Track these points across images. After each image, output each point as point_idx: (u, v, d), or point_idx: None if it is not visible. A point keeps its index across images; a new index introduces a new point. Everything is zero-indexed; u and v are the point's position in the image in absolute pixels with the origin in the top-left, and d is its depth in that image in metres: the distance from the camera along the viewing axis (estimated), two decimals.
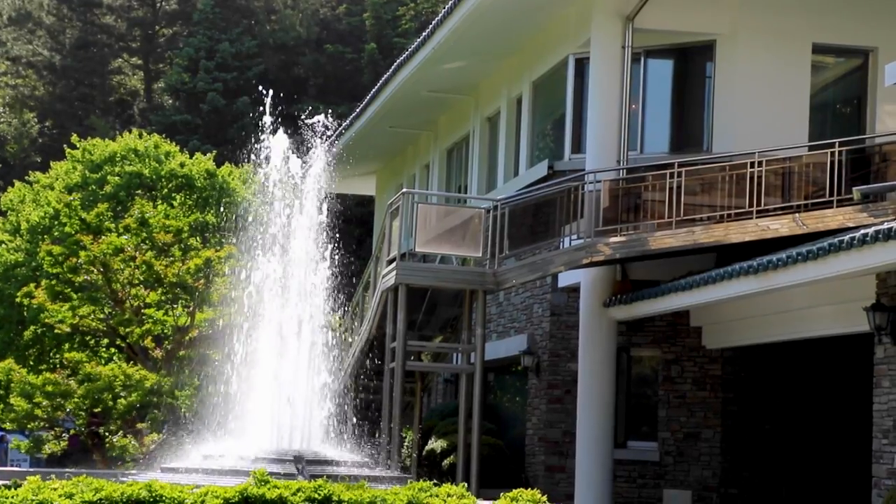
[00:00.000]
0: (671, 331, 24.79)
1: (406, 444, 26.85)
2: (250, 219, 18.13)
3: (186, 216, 32.68)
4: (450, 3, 26.60)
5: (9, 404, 27.39)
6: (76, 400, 26.58)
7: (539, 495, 12.95)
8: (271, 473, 12.91)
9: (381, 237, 24.75)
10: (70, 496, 11.84)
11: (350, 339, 27.41)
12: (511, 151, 29.11)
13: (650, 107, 25.07)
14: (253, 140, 18.20)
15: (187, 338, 28.47)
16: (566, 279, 24.93)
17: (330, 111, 18.76)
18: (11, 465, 35.61)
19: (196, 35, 61.61)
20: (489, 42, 27.90)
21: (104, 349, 34.15)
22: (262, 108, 18.03)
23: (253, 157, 18.03)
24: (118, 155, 37.18)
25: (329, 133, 18.68)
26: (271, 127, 17.76)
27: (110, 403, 26.35)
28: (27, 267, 34.87)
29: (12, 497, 11.75)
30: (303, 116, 18.26)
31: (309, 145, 18.25)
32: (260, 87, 18.99)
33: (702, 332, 24.44)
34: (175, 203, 35.69)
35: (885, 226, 16.50)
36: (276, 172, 17.76)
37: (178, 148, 39.11)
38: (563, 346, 25.75)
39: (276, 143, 17.67)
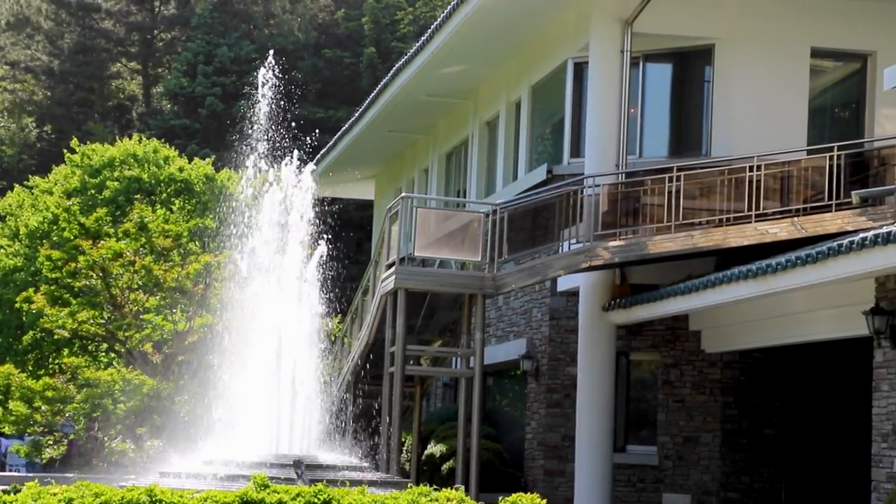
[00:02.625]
0: (670, 335, 24.79)
1: (405, 448, 26.84)
2: (244, 225, 18.17)
3: (186, 221, 32.67)
4: (449, 7, 26.60)
5: (8, 409, 27.38)
6: (75, 405, 26.56)
7: (538, 499, 12.96)
8: (271, 478, 12.91)
9: (380, 241, 24.74)
10: (70, 501, 11.85)
11: (349, 344, 27.40)
12: (510, 155, 29.11)
13: (649, 111, 25.08)
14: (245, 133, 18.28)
15: (186, 343, 28.45)
16: (565, 283, 24.93)
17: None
18: (10, 471, 35.58)
19: (195, 40, 61.62)
20: (488, 46, 27.90)
21: (103, 354, 34.14)
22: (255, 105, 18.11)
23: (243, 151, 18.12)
24: (117, 160, 37.21)
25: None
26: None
27: (110, 408, 26.33)
28: (26, 272, 34.88)
29: (12, 502, 11.76)
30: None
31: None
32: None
33: (701, 336, 24.44)
34: (174, 208, 35.70)
35: (885, 230, 16.51)
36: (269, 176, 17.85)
37: (176, 152, 39.14)
38: (563, 350, 25.74)
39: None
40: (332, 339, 28.66)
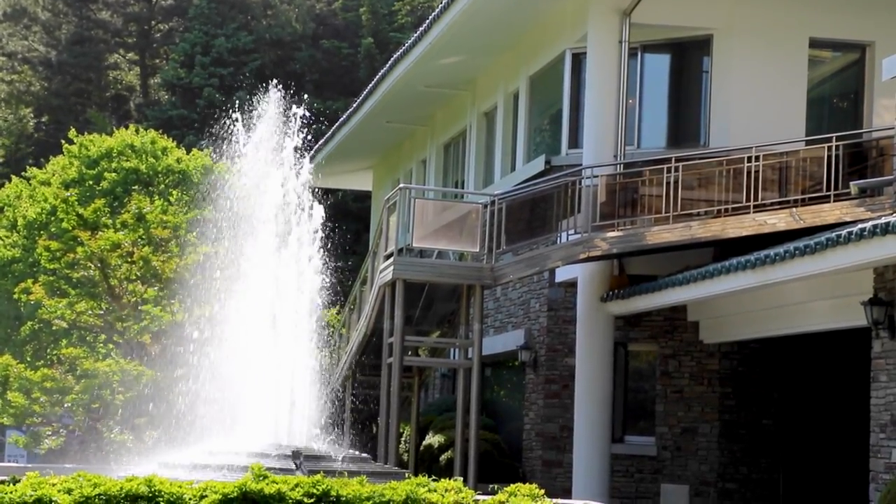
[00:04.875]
0: (668, 325, 24.81)
1: (403, 439, 26.85)
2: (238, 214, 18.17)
3: (184, 212, 32.66)
4: None
5: (6, 400, 27.37)
6: (74, 396, 26.56)
7: (537, 489, 12.97)
8: (269, 469, 12.91)
9: (378, 232, 24.75)
10: (69, 491, 11.85)
11: (348, 335, 27.41)
12: (508, 146, 29.11)
13: (647, 102, 25.08)
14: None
15: (186, 333, 28.42)
16: (563, 274, 24.93)
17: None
18: (9, 461, 35.59)
19: (192, 30, 61.53)
20: (486, 37, 27.89)
21: (102, 345, 34.14)
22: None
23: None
24: (115, 150, 37.17)
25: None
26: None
27: (108, 399, 26.34)
28: (24, 263, 34.87)
29: (11, 492, 11.76)
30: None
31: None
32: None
33: (699, 327, 24.46)
34: (172, 199, 35.68)
35: (883, 220, 16.52)
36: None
37: (174, 143, 39.11)
38: (561, 341, 25.76)
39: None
40: (331, 329, 28.65)
